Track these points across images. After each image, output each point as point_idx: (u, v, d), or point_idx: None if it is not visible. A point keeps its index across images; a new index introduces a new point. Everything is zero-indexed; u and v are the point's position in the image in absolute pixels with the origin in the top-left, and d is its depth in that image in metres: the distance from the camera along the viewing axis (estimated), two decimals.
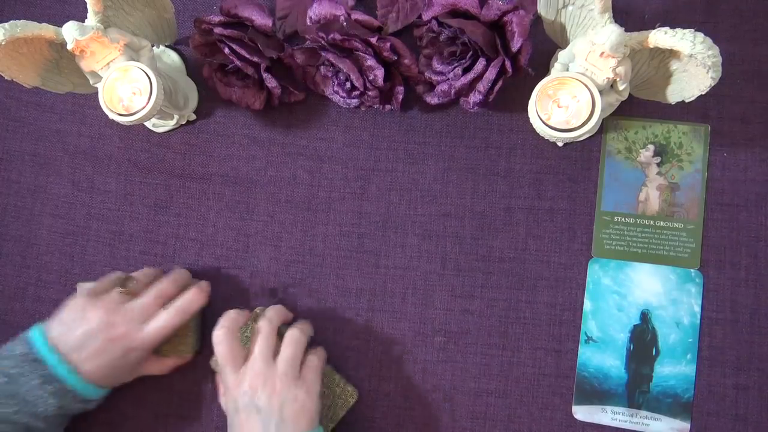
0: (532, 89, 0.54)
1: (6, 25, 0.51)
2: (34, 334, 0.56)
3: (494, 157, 0.64)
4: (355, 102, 0.63)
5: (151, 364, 0.61)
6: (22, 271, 0.67)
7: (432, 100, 0.62)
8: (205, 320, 0.64)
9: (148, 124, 0.66)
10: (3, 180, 0.68)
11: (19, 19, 0.52)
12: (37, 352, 0.55)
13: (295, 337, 0.57)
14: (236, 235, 0.66)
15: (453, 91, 0.59)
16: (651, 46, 0.51)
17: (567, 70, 0.55)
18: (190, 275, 0.64)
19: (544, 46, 0.61)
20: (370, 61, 0.58)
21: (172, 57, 0.67)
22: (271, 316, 0.59)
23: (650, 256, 0.62)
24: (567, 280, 0.63)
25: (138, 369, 0.60)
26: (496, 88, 0.58)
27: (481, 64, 0.57)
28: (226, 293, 0.65)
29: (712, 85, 0.50)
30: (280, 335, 0.59)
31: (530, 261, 0.63)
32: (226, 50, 0.60)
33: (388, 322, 0.64)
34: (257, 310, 0.62)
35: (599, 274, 0.62)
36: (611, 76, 0.52)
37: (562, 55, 0.56)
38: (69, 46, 0.54)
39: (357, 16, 0.59)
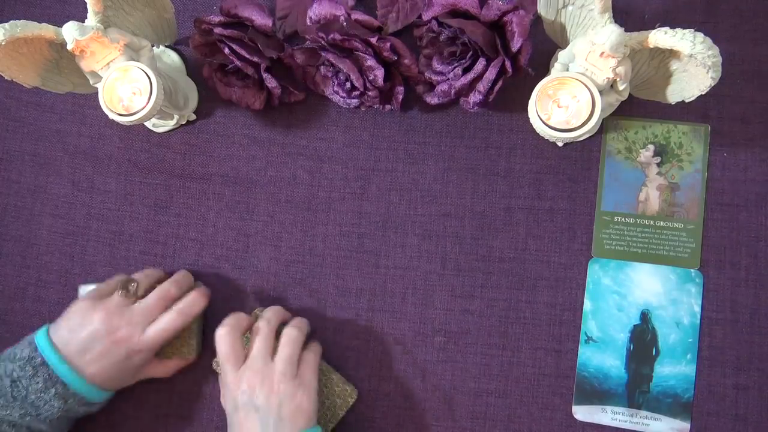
0: (532, 89, 0.54)
1: (6, 25, 0.51)
2: (39, 337, 0.56)
3: (494, 157, 0.64)
4: (355, 102, 0.63)
5: (154, 366, 0.61)
6: (22, 271, 0.67)
7: (432, 100, 0.62)
8: (206, 322, 0.64)
9: (148, 124, 0.66)
10: (3, 180, 0.68)
11: (19, 19, 0.52)
12: (42, 355, 0.55)
13: (292, 336, 0.57)
14: (236, 235, 0.66)
15: (453, 91, 0.59)
16: (651, 46, 0.51)
17: (567, 70, 0.55)
18: (192, 277, 0.64)
19: (544, 46, 0.61)
20: (370, 61, 0.58)
21: (172, 57, 0.67)
22: (269, 316, 0.59)
23: (650, 256, 0.62)
24: (567, 280, 0.63)
25: (141, 372, 0.60)
26: (496, 88, 0.58)
27: (481, 64, 0.57)
28: (226, 293, 0.65)
29: (712, 85, 0.50)
30: (278, 335, 0.59)
31: (530, 261, 0.63)
32: (226, 50, 0.60)
33: (388, 322, 0.64)
34: (256, 311, 0.62)
35: (599, 274, 0.62)
36: (611, 76, 0.52)
37: (562, 55, 0.56)
38: (69, 46, 0.54)
39: (357, 16, 0.59)
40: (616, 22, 0.51)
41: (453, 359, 0.63)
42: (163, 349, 0.61)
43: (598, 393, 0.61)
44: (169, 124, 0.66)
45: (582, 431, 0.61)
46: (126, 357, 0.56)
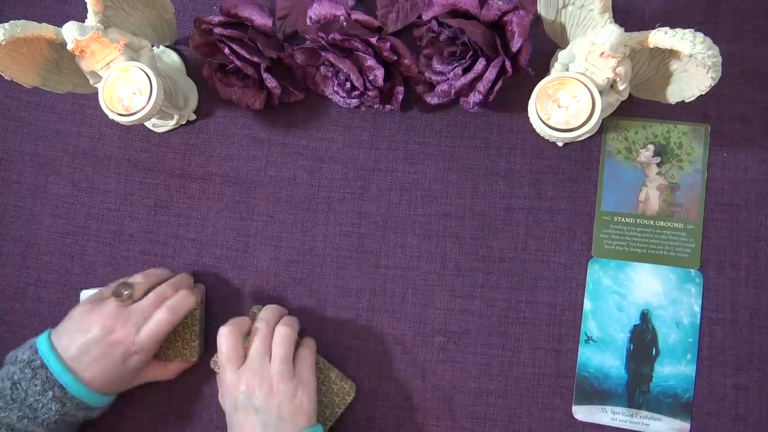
0: (532, 89, 0.54)
1: (6, 25, 0.51)
2: (41, 340, 0.56)
3: (494, 157, 0.64)
4: (355, 102, 0.63)
5: (155, 369, 0.61)
6: (22, 271, 0.67)
7: (432, 100, 0.62)
8: (207, 323, 0.64)
9: (148, 124, 0.66)
10: (3, 180, 0.68)
11: (19, 19, 0.52)
12: (41, 357, 0.55)
13: (284, 334, 0.57)
14: (236, 235, 0.66)
15: (453, 91, 0.59)
16: (651, 46, 0.51)
17: (567, 70, 0.55)
18: (192, 280, 0.64)
19: (544, 46, 0.61)
20: (370, 61, 0.58)
21: (172, 57, 0.67)
22: (267, 317, 0.59)
23: (650, 256, 0.62)
24: (567, 280, 0.63)
25: (141, 374, 0.60)
26: (496, 88, 0.58)
27: (481, 64, 0.57)
28: (226, 293, 0.65)
29: (712, 85, 0.50)
30: None
31: (530, 261, 0.63)
32: (226, 50, 0.60)
33: (388, 322, 0.64)
34: (254, 309, 0.62)
35: (599, 274, 0.62)
36: (611, 76, 0.52)
37: (562, 55, 0.56)
38: (69, 46, 0.54)
39: (357, 16, 0.59)
40: (616, 22, 0.51)
41: (453, 359, 0.63)
42: (165, 351, 0.61)
43: (598, 393, 0.61)
44: (169, 124, 0.66)
45: (582, 431, 0.61)
46: (123, 359, 0.56)
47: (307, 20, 0.61)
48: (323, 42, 0.59)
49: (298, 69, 0.64)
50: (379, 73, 0.59)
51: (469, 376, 0.62)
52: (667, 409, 0.60)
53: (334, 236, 0.65)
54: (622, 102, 0.57)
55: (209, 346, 0.64)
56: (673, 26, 0.50)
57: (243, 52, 0.59)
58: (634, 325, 0.61)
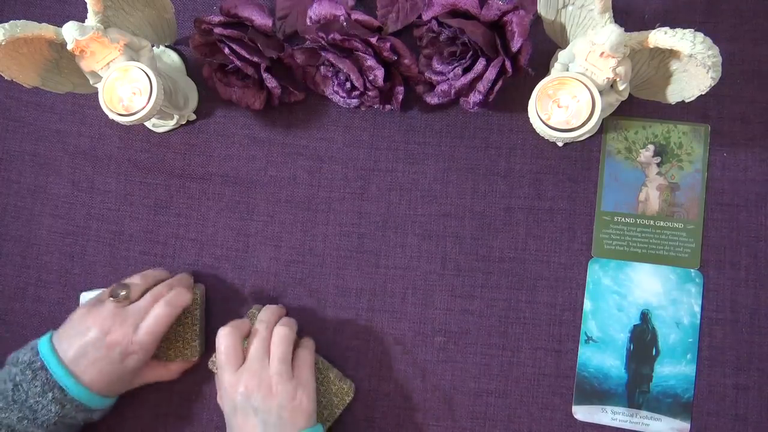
0: (532, 89, 0.54)
1: (6, 25, 0.51)
2: (42, 342, 0.56)
3: (494, 157, 0.64)
4: (355, 102, 0.63)
5: (157, 369, 0.61)
6: (22, 271, 0.67)
7: (432, 100, 0.62)
8: (207, 324, 0.64)
9: (148, 124, 0.66)
10: (3, 180, 0.68)
11: (19, 19, 0.52)
12: (42, 359, 0.55)
13: (282, 334, 0.57)
14: (236, 235, 0.66)
15: (453, 91, 0.59)
16: (651, 46, 0.51)
17: (567, 70, 0.55)
18: (191, 279, 0.64)
19: (544, 46, 0.61)
20: (370, 61, 0.58)
21: (172, 57, 0.67)
22: (266, 318, 0.59)
23: (650, 256, 0.62)
24: (567, 280, 0.63)
25: (143, 376, 0.60)
26: (496, 88, 0.58)
27: (481, 64, 0.57)
28: (226, 293, 0.65)
29: (712, 85, 0.50)
30: None
31: (530, 261, 0.63)
32: (226, 50, 0.60)
33: (388, 322, 0.64)
34: (253, 309, 0.62)
35: (599, 274, 0.62)
36: (611, 76, 0.52)
37: (562, 55, 0.56)
38: (69, 46, 0.54)
39: (357, 16, 0.59)
40: (616, 22, 0.51)
41: (453, 359, 0.63)
42: (166, 352, 0.61)
43: (598, 393, 0.61)
44: (169, 124, 0.66)
45: (582, 431, 0.61)
46: (121, 359, 0.56)
47: (307, 20, 0.61)
48: (323, 42, 0.59)
49: (298, 69, 0.64)
50: (379, 73, 0.59)
51: (469, 376, 0.62)
52: (667, 409, 0.60)
53: (334, 236, 0.65)
54: (622, 102, 0.57)
55: (210, 346, 0.64)
56: (673, 26, 0.50)
57: (243, 52, 0.59)
58: (634, 325, 0.61)
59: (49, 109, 0.68)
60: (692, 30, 0.49)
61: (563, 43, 0.58)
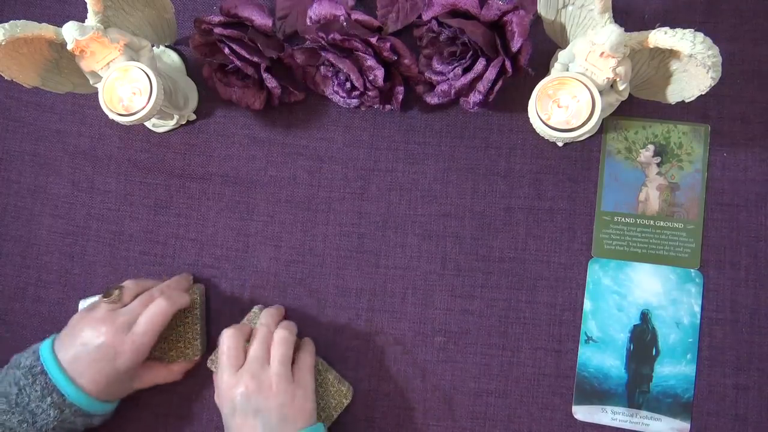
0: (532, 89, 0.54)
1: (6, 25, 0.51)
2: (44, 347, 0.57)
3: (494, 157, 0.64)
4: (355, 102, 0.63)
5: (159, 372, 0.61)
6: (22, 271, 0.67)
7: (432, 100, 0.62)
8: (207, 323, 0.64)
9: (148, 124, 0.66)
10: (3, 180, 0.68)
11: (19, 19, 0.52)
12: (42, 363, 0.55)
13: (283, 337, 0.58)
14: (236, 235, 0.66)
15: (453, 91, 0.59)
16: (651, 46, 0.51)
17: (567, 70, 0.55)
18: (191, 279, 0.64)
19: (544, 46, 0.61)
20: (370, 61, 0.58)
21: (172, 57, 0.67)
22: (268, 321, 0.59)
23: (650, 256, 0.62)
24: (567, 280, 0.63)
25: (144, 378, 0.60)
26: (496, 88, 0.58)
27: (481, 64, 0.57)
28: (226, 293, 0.65)
29: (712, 85, 0.50)
30: None
31: (530, 261, 0.63)
32: (226, 50, 0.60)
33: (388, 322, 0.64)
34: (255, 309, 0.62)
35: (599, 274, 0.62)
36: (611, 76, 0.52)
37: (562, 55, 0.56)
38: (69, 46, 0.54)
39: (357, 16, 0.59)
40: (616, 22, 0.51)
41: (453, 359, 0.63)
42: (168, 353, 0.61)
43: (598, 393, 0.61)
44: (169, 124, 0.66)
45: (582, 431, 0.61)
46: (114, 360, 0.56)
47: (307, 20, 0.61)
48: (323, 42, 0.59)
49: (298, 69, 0.64)
50: (379, 73, 0.59)
51: (469, 376, 0.62)
52: (667, 409, 0.60)
53: (334, 236, 0.65)
54: (622, 102, 0.57)
55: (211, 346, 0.64)
56: (673, 26, 0.50)
57: (243, 52, 0.59)
58: (634, 325, 0.61)
59: (49, 109, 0.68)
60: (692, 30, 0.49)
61: (563, 43, 0.58)
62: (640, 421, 0.61)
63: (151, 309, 0.57)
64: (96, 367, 0.55)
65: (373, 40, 0.57)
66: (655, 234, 0.62)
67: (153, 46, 0.61)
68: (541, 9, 0.56)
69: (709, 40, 0.48)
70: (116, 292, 0.58)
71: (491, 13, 0.56)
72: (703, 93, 0.52)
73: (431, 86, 0.62)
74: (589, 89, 0.53)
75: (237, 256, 0.65)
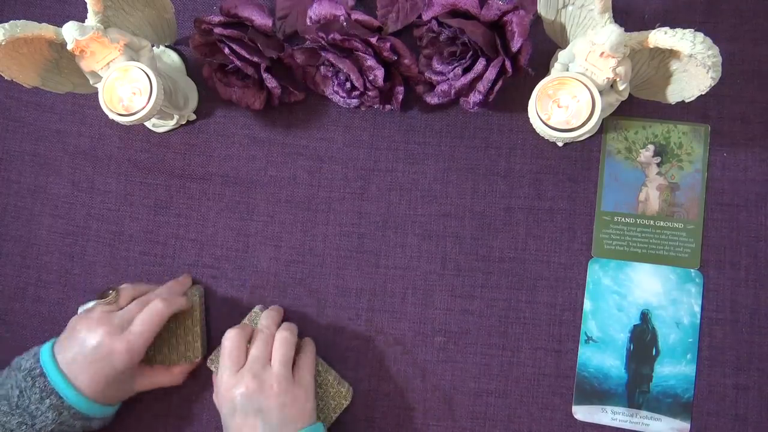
0: (532, 89, 0.54)
1: (6, 25, 0.51)
2: (44, 350, 0.57)
3: (494, 157, 0.64)
4: (355, 102, 0.63)
5: (160, 374, 0.61)
6: (22, 271, 0.67)
7: (432, 100, 0.62)
8: (207, 323, 0.64)
9: (148, 124, 0.66)
10: (3, 180, 0.68)
11: (19, 19, 0.52)
12: (41, 366, 0.55)
13: (285, 338, 0.58)
14: (236, 235, 0.66)
15: (453, 91, 0.59)
16: (651, 46, 0.51)
17: (567, 70, 0.55)
18: (190, 279, 0.64)
19: (544, 46, 0.61)
20: (370, 61, 0.58)
21: (172, 57, 0.67)
22: (268, 323, 0.59)
23: (650, 256, 0.62)
24: (567, 280, 0.63)
25: (145, 381, 0.60)
26: (496, 88, 0.58)
27: (481, 64, 0.57)
28: (226, 293, 0.65)
29: (712, 85, 0.50)
30: None
31: (530, 261, 0.63)
32: (226, 50, 0.60)
33: (388, 322, 0.64)
34: (256, 309, 0.62)
35: (599, 274, 0.62)
36: (611, 76, 0.52)
37: (562, 55, 0.56)
38: (69, 46, 0.54)
39: (357, 16, 0.59)
40: (616, 22, 0.51)
41: (453, 359, 0.63)
42: (169, 356, 0.61)
43: (598, 393, 0.61)
44: (169, 124, 0.66)
45: (582, 431, 0.61)
46: (110, 361, 0.56)
47: (307, 20, 0.61)
48: (323, 42, 0.59)
49: (298, 69, 0.64)
50: (379, 73, 0.59)
51: (469, 376, 0.62)
52: (667, 409, 0.60)
53: (334, 236, 0.65)
54: (622, 102, 0.57)
55: (212, 346, 0.64)
56: (673, 26, 0.50)
57: (243, 52, 0.59)
58: (634, 325, 0.61)
59: (49, 109, 0.68)
60: (692, 30, 0.49)
61: (563, 43, 0.58)
62: (640, 421, 0.61)
63: (148, 310, 0.57)
64: (93, 368, 0.55)
65: (373, 40, 0.57)
66: (655, 234, 0.62)
67: (153, 46, 0.61)
68: (541, 9, 0.56)
69: (709, 40, 0.48)
70: (111, 292, 0.59)
71: (491, 13, 0.56)
72: (703, 93, 0.52)
73: (431, 86, 0.62)
74: (589, 89, 0.53)
75: (237, 256, 0.65)
